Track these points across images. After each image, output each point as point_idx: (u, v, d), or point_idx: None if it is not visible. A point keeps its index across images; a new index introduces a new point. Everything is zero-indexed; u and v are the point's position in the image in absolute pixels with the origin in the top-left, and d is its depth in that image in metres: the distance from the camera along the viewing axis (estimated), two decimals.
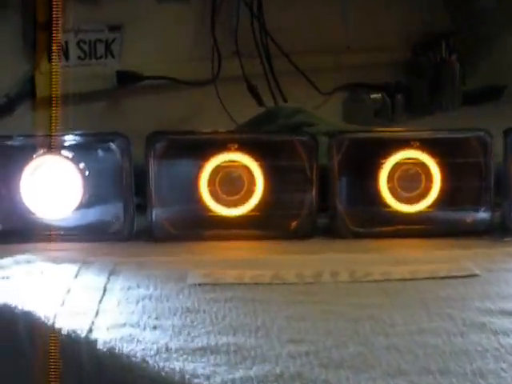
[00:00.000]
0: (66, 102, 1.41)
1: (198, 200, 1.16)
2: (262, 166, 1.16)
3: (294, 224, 1.17)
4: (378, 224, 1.17)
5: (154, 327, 0.84)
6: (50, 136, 1.14)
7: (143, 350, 0.79)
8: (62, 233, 1.15)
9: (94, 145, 1.16)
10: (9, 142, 1.16)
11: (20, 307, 0.91)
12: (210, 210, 1.16)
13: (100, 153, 1.16)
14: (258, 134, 1.19)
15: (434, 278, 0.98)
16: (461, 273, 0.99)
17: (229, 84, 1.66)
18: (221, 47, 1.63)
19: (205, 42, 1.65)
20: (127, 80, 1.53)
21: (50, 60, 1.48)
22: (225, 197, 1.16)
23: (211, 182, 1.15)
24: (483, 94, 2.01)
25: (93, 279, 0.99)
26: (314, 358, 0.76)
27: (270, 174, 1.16)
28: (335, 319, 0.85)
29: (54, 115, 1.13)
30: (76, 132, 1.15)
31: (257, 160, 1.15)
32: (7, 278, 1.00)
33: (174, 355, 0.78)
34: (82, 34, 1.50)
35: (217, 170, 1.15)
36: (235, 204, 1.17)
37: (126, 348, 0.79)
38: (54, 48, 1.29)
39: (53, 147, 1.14)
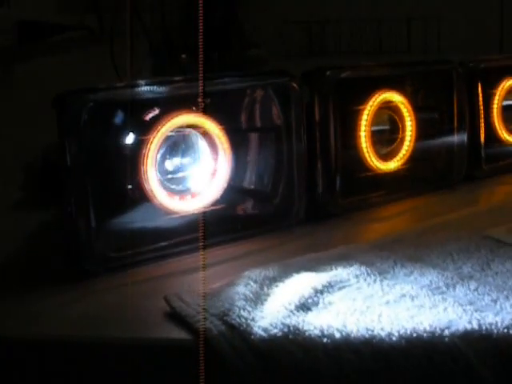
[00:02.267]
0: None
1: (358, 155, 0.87)
2: (411, 105, 0.92)
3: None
4: None
5: None
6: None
7: None
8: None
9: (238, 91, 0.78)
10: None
11: None
12: (370, 169, 0.88)
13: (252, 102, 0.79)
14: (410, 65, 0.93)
15: None
16: None
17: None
18: None
19: None
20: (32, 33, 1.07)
21: None
22: (377, 148, 0.90)
23: (367, 130, 0.88)
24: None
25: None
26: None
27: (418, 114, 0.93)
28: None
29: None
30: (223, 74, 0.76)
31: (406, 98, 0.91)
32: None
33: None
34: None
35: (372, 114, 0.88)
36: (388, 156, 0.91)
37: None
38: None
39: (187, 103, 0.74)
